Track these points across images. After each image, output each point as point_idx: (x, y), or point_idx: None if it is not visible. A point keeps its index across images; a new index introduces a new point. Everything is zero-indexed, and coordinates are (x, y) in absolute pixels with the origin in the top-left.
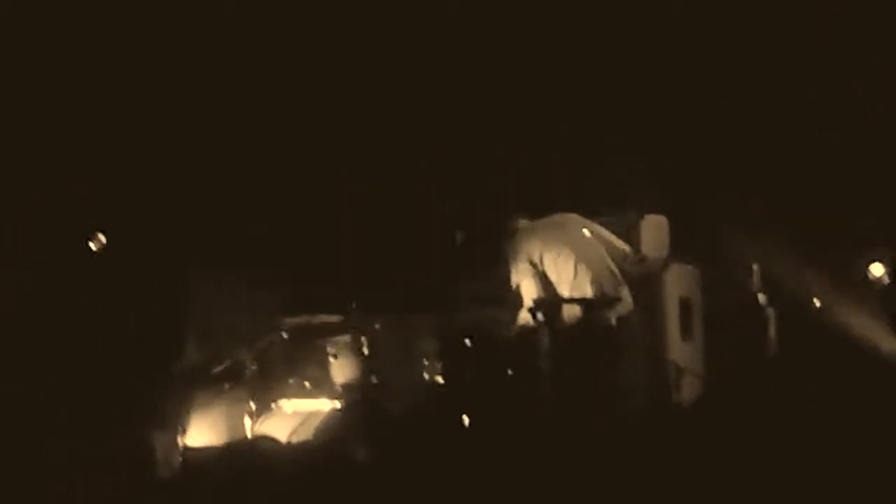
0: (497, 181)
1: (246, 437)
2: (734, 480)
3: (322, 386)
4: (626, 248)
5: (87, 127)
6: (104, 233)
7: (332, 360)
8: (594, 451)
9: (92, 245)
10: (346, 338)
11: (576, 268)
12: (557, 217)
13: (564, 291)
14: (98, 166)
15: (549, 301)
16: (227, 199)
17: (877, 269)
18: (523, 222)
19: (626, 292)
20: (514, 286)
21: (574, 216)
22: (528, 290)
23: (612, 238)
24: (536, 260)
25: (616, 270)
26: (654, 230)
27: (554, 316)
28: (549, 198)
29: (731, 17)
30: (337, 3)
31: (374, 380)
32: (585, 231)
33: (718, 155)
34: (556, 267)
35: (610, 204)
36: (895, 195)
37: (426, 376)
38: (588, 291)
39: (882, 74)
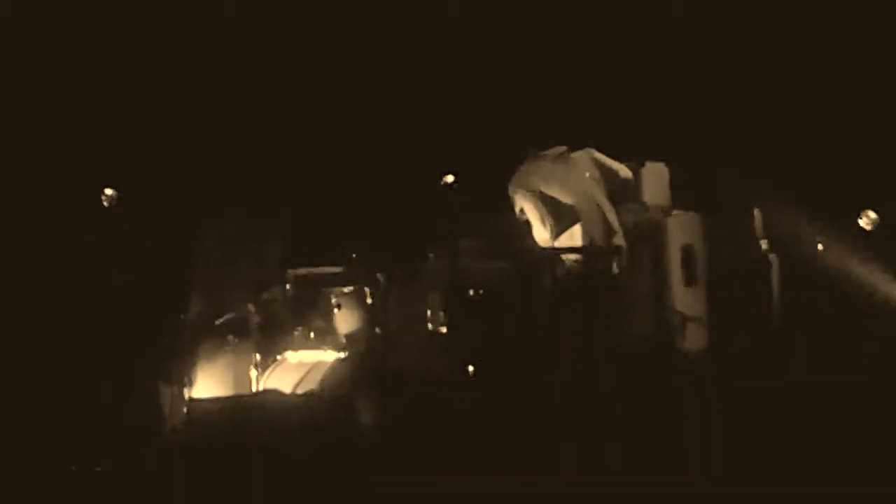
0: (499, 125)
1: (251, 389)
2: (738, 424)
3: (326, 337)
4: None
5: (96, 85)
6: (113, 188)
7: (335, 311)
8: (598, 398)
9: (103, 200)
10: (350, 288)
11: (568, 212)
12: (570, 155)
13: (554, 234)
14: (106, 122)
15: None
16: (232, 153)
17: (870, 215)
18: (532, 157)
19: (619, 240)
20: (518, 212)
21: (586, 155)
22: (534, 215)
23: (622, 177)
24: (537, 192)
25: (612, 219)
26: (656, 178)
27: (553, 263)
28: (549, 142)
29: None
30: None
31: (377, 330)
32: (591, 172)
33: (719, 102)
34: (551, 206)
35: (610, 152)
36: (890, 143)
37: (430, 326)
38: (576, 238)
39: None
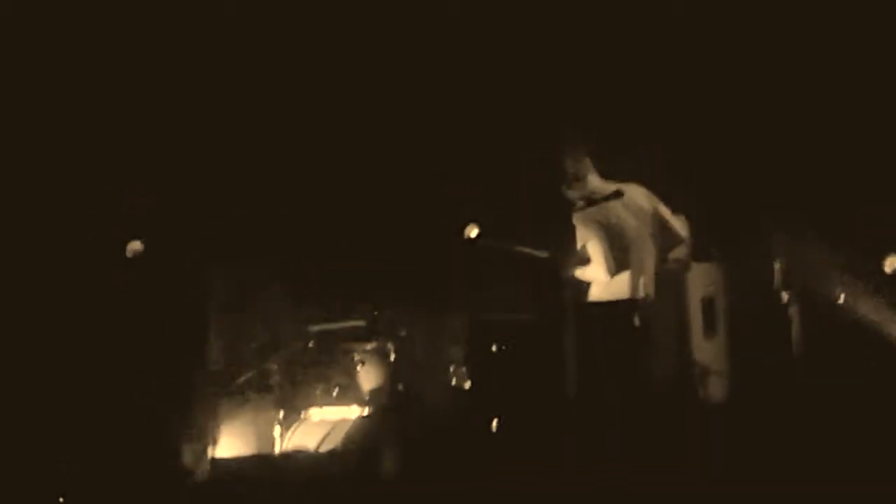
0: (522, 177)
1: (275, 447)
2: (759, 476)
3: (349, 393)
4: (680, 234)
5: (112, 138)
6: (137, 239)
7: (358, 367)
8: (621, 451)
9: (128, 252)
10: (373, 344)
11: (625, 255)
12: (627, 187)
13: (612, 273)
14: (125, 174)
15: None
16: (253, 209)
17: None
18: (593, 179)
19: (650, 291)
20: (580, 247)
21: (640, 190)
22: (597, 252)
23: (668, 222)
24: (605, 226)
25: (649, 268)
26: None
27: (576, 316)
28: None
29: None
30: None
31: (400, 386)
32: (645, 219)
33: (740, 152)
34: (615, 244)
35: None
36: None
37: (453, 382)
38: (624, 289)
39: None
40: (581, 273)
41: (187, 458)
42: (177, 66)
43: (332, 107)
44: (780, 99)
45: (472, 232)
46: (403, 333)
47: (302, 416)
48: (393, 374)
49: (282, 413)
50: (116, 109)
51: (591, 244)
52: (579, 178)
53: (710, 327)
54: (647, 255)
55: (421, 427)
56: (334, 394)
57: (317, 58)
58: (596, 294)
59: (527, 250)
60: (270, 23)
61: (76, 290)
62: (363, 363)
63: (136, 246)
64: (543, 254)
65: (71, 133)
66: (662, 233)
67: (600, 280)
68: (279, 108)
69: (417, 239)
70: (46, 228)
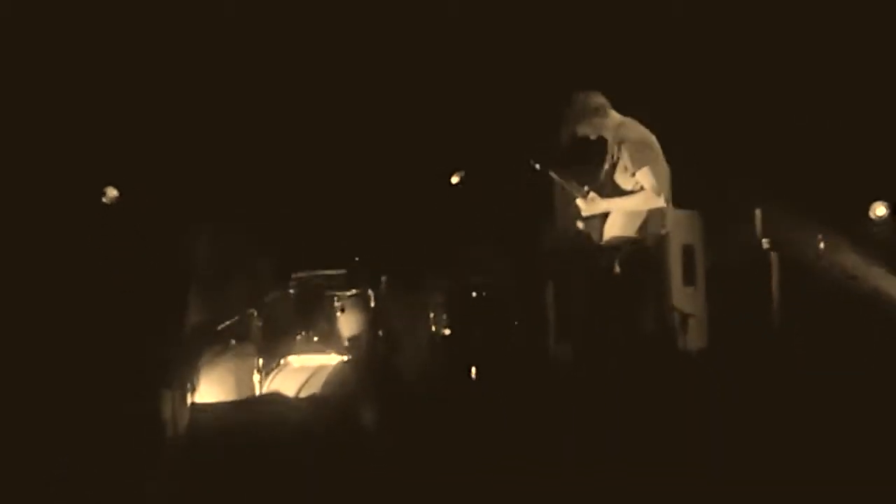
0: (505, 127)
1: (255, 393)
2: (737, 422)
3: (329, 340)
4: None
5: (100, 89)
6: (115, 187)
7: (339, 314)
8: (600, 397)
9: (104, 199)
10: (353, 292)
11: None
12: (635, 123)
13: (661, 203)
14: (108, 124)
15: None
16: (235, 155)
17: (879, 209)
18: (613, 113)
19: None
20: (632, 174)
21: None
22: (649, 181)
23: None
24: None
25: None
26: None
27: (555, 262)
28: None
29: None
30: None
31: (380, 333)
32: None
33: (719, 99)
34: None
35: None
36: (890, 140)
37: (433, 329)
38: (633, 228)
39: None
40: (628, 203)
41: (167, 404)
42: (162, 21)
43: (313, 57)
44: (762, 52)
45: (455, 178)
46: (384, 280)
47: (282, 362)
48: (373, 321)
49: (261, 360)
50: (99, 60)
51: (642, 172)
52: (603, 113)
53: (689, 275)
54: (668, 190)
55: (400, 373)
56: (314, 340)
57: (300, 14)
58: (616, 231)
59: (566, 183)
60: None
61: (57, 237)
62: (343, 310)
63: (112, 193)
64: (583, 188)
65: (54, 80)
66: None
67: (649, 206)
68: (260, 60)
69: (398, 186)
70: (27, 175)
